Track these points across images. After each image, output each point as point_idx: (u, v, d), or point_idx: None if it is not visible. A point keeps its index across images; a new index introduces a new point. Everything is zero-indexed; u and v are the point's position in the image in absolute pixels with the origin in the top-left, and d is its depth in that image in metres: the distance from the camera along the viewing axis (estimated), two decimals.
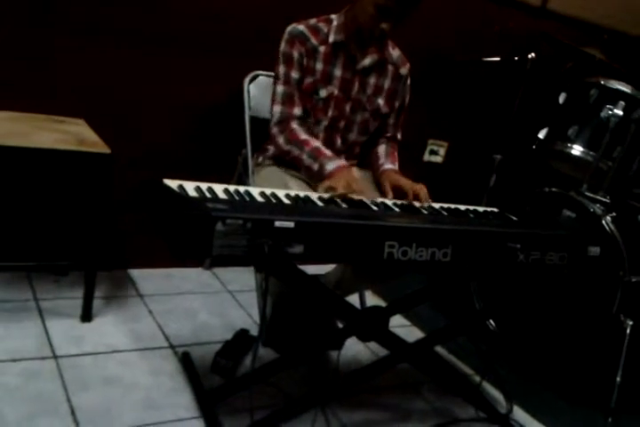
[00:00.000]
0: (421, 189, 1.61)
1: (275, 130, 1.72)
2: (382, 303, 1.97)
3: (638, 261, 2.01)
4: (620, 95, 2.22)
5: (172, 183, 1.32)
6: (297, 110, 1.71)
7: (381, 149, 1.90)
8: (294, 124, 1.70)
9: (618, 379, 1.88)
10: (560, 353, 2.09)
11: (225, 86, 2.11)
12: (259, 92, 2.06)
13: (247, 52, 1.89)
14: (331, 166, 1.60)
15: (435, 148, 2.87)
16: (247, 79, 2.05)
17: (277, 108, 1.71)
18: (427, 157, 2.86)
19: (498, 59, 2.60)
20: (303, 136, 1.68)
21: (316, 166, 1.62)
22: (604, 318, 1.98)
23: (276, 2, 2.15)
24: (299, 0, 1.99)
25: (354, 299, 1.94)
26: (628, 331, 1.92)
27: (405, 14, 1.63)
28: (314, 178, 1.65)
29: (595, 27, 2.98)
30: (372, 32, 1.66)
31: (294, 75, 1.71)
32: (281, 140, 1.70)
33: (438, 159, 2.90)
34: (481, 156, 2.76)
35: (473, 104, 2.89)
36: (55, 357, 1.67)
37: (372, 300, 2.16)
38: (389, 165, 1.82)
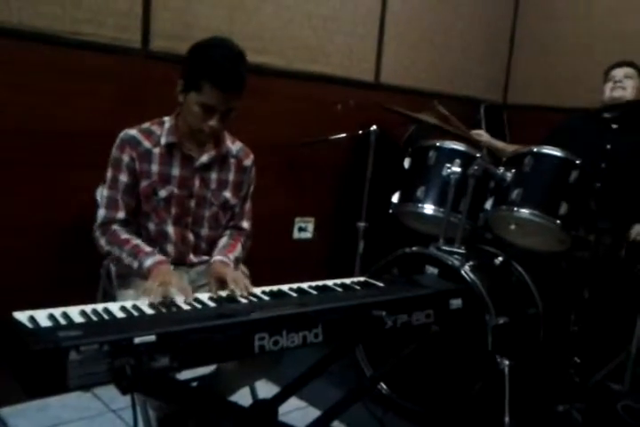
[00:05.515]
0: (238, 279, 1.59)
1: (97, 232, 1.76)
2: (276, 389, 1.94)
3: (503, 304, 2.16)
4: (455, 153, 2.42)
5: (22, 316, 1.26)
6: (120, 214, 1.75)
7: (222, 241, 1.89)
8: (116, 226, 1.75)
9: (506, 419, 1.97)
10: (452, 405, 2.16)
11: (76, 200, 2.10)
12: None
13: (93, 164, 1.90)
14: (148, 263, 1.64)
15: (302, 224, 2.97)
16: (98, 191, 2.03)
17: (102, 212, 1.76)
18: (296, 234, 2.95)
19: (344, 135, 2.80)
20: (123, 236, 1.72)
21: (135, 264, 1.66)
22: (484, 363, 2.09)
23: (121, 114, 2.20)
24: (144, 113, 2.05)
25: (245, 391, 1.91)
26: (506, 371, 2.04)
27: (231, 109, 1.68)
28: (139, 276, 1.68)
29: (426, 93, 3.31)
30: (202, 130, 1.70)
31: (122, 178, 1.75)
32: (102, 241, 1.74)
33: (308, 235, 3.00)
34: (346, 226, 2.90)
35: (332, 179, 3.05)
36: None
37: (265, 387, 2.12)
38: (219, 256, 1.79)
